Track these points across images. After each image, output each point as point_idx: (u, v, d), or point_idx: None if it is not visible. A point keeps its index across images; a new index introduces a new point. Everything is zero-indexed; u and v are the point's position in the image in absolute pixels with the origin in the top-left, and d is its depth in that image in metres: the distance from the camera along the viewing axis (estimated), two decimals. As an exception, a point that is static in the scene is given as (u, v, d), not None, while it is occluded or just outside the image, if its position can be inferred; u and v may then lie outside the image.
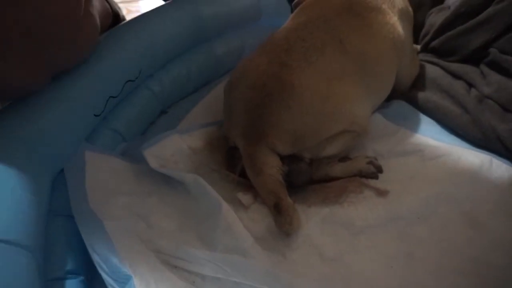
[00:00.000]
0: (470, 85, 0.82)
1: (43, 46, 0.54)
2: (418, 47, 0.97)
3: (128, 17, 1.38)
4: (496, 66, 0.79)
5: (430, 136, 0.79)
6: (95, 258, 0.48)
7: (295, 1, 0.83)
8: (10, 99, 0.59)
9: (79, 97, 0.63)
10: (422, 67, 0.90)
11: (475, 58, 0.85)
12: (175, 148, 0.70)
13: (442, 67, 0.88)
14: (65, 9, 0.55)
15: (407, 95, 0.88)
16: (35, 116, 0.56)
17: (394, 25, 0.76)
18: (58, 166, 0.60)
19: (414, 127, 0.81)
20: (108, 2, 1.02)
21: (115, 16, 1.03)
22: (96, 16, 0.66)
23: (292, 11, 0.84)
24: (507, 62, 0.78)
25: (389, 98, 0.85)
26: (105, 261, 0.47)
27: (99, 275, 0.49)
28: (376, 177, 0.71)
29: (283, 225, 0.57)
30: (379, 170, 0.71)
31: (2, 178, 0.46)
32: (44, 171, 0.54)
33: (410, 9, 0.85)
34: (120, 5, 1.48)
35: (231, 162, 0.71)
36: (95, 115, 0.66)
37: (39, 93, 0.58)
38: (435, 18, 0.93)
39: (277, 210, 0.57)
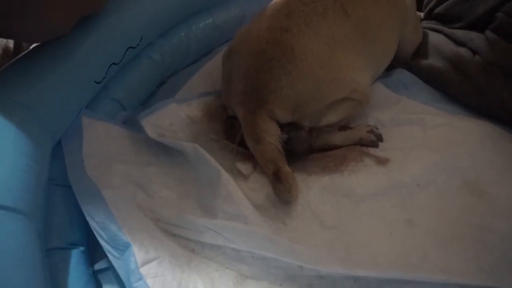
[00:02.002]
0: (475, 52, 0.80)
1: None
2: (422, 14, 0.94)
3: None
4: (503, 32, 0.77)
5: (432, 104, 0.78)
6: (94, 225, 0.47)
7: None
8: (39, 41, 0.58)
9: (80, 63, 0.61)
10: (425, 35, 0.88)
11: (480, 24, 0.82)
12: (173, 117, 0.69)
13: (446, 34, 0.85)
14: None
15: (409, 63, 0.85)
16: (35, 79, 0.54)
17: (397, -9, 0.74)
18: (58, 133, 0.59)
19: (415, 96, 0.80)
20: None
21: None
22: None
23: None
24: (514, 27, 0.75)
25: (391, 67, 0.83)
26: (104, 229, 0.47)
27: (100, 246, 0.49)
28: (377, 146, 0.70)
29: (282, 193, 0.57)
30: (380, 138, 0.70)
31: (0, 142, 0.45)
32: (44, 137, 0.53)
33: (414, -27, 0.81)
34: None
35: (230, 131, 0.70)
36: (96, 82, 0.64)
37: (40, 55, 0.56)
38: (440, -17, 0.90)
39: (276, 178, 0.57)
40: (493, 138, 0.70)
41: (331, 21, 0.64)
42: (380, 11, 0.70)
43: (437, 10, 0.88)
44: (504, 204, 0.61)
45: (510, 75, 0.73)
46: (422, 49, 0.86)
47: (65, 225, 0.51)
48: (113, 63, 0.65)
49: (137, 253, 0.48)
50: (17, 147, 0.46)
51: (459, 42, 0.83)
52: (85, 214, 0.48)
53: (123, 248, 0.49)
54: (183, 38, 0.84)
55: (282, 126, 0.64)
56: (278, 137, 0.63)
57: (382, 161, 0.66)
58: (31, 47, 0.62)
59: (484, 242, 0.56)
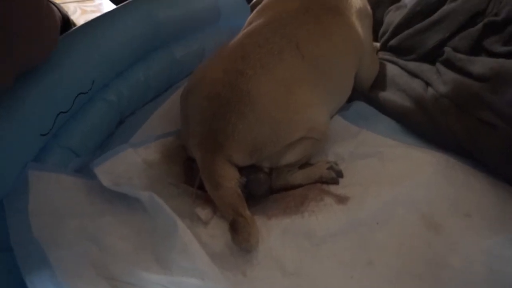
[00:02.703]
0: (427, 84, 0.83)
1: (8, 41, 0.50)
2: (378, 45, 0.97)
3: (84, 18, 1.33)
4: (450, 65, 0.80)
5: (390, 136, 0.80)
6: (37, 295, 0.45)
7: (252, 3, 0.80)
8: None
9: (22, 117, 0.57)
10: (382, 66, 0.90)
11: (431, 56, 0.85)
12: (129, 163, 0.67)
13: (400, 66, 0.88)
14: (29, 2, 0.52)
15: (368, 95, 0.87)
16: None
17: (352, 26, 0.75)
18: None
19: (374, 128, 0.81)
20: (55, 5, 0.96)
21: (65, 21, 0.97)
22: (56, 13, 0.62)
23: (251, 12, 0.82)
24: (461, 61, 0.78)
25: (350, 99, 0.85)
26: (49, 298, 0.44)
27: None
28: (337, 182, 0.70)
29: (240, 243, 0.56)
30: (340, 175, 0.71)
31: None
32: None
33: (369, 7, 0.84)
34: (74, 4, 1.41)
35: (189, 174, 0.69)
36: (41, 134, 0.61)
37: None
38: (393, 16, 0.93)
39: (233, 228, 0.56)
40: (447, 169, 0.72)
41: (287, 62, 0.65)
42: (335, 48, 0.71)
43: (391, 42, 0.91)
44: (457, 238, 0.62)
45: (461, 107, 0.76)
46: (379, 81, 0.88)
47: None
48: (62, 112, 0.63)
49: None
50: None
51: (412, 74, 0.86)
52: (27, 283, 0.45)
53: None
54: (140, 77, 0.82)
55: (241, 169, 0.64)
56: (237, 181, 0.62)
57: (342, 200, 0.67)
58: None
59: (440, 280, 0.57)
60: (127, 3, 0.83)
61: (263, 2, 0.77)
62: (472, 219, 0.65)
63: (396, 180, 0.70)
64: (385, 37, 0.93)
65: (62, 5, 1.25)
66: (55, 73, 0.62)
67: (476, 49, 0.80)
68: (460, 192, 0.69)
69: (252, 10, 0.79)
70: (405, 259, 0.60)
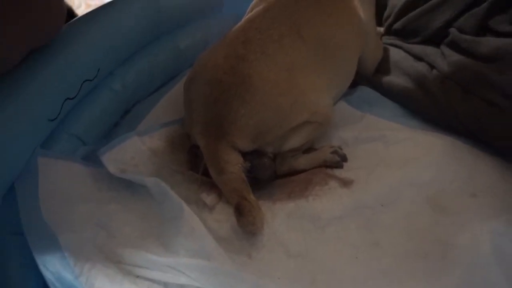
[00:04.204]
0: (432, 66, 0.82)
1: (18, 13, 0.50)
2: (382, 29, 0.97)
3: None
4: (455, 46, 0.79)
5: (394, 120, 0.79)
6: (48, 276, 0.46)
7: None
8: None
9: (31, 100, 0.58)
10: (385, 51, 0.90)
11: (437, 38, 0.84)
12: (135, 150, 0.68)
13: (405, 50, 0.87)
14: None
15: (371, 80, 0.87)
16: None
17: (354, 9, 0.75)
18: (9, 180, 0.57)
19: (378, 112, 0.81)
20: (58, -2, 0.97)
21: (69, 12, 0.98)
22: None
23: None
24: (466, 42, 0.77)
25: (354, 84, 0.84)
26: (59, 279, 0.46)
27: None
28: (341, 166, 0.70)
29: (246, 226, 0.56)
30: (344, 159, 0.71)
31: None
32: None
33: (371, -9, 0.83)
34: (79, -1, 1.42)
35: (194, 161, 0.69)
36: (49, 120, 0.62)
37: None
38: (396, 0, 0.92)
39: (239, 211, 0.56)
40: (453, 151, 0.72)
41: (287, 47, 0.65)
42: (337, 33, 0.71)
43: (395, 26, 0.90)
44: (465, 218, 0.62)
45: (465, 89, 0.75)
46: (383, 65, 0.88)
47: (21, 276, 0.49)
48: (68, 98, 0.63)
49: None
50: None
51: (417, 57, 0.85)
52: (39, 264, 0.46)
53: (80, 298, 0.48)
54: (145, 66, 0.83)
55: (245, 154, 0.64)
56: (241, 166, 0.62)
57: (346, 183, 0.67)
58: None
59: (446, 259, 0.57)
60: (130, -9, 0.83)
61: (265, -12, 0.77)
62: (478, 199, 0.65)
63: (401, 163, 0.70)
64: (389, 20, 0.92)
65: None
66: (60, 59, 0.63)
67: (482, 29, 0.79)
68: (466, 173, 0.68)
69: (254, -4, 0.78)
70: (412, 240, 0.60)
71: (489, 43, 0.75)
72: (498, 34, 0.75)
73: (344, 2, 0.73)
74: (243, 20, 0.72)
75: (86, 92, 0.70)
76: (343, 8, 0.72)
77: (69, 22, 0.71)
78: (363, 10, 0.77)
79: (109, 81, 0.76)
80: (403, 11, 0.88)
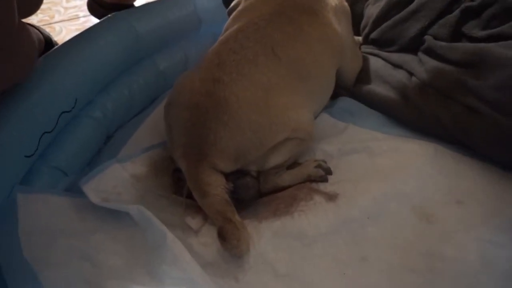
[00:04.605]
0: (411, 74, 0.83)
1: None
2: (360, 39, 0.97)
3: (69, 37, 1.33)
4: (432, 53, 0.80)
5: (377, 129, 0.79)
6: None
7: (228, 9, 0.81)
8: None
9: (5, 139, 0.58)
10: (365, 60, 0.90)
11: (413, 46, 0.85)
12: (117, 178, 0.67)
13: (383, 58, 0.88)
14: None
15: (352, 90, 0.87)
16: None
17: (328, 25, 0.75)
18: None
19: (361, 122, 0.81)
20: (37, 28, 0.97)
21: (47, 43, 0.98)
22: (31, 32, 0.61)
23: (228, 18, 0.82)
24: (441, 48, 0.78)
25: (335, 95, 0.85)
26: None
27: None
28: (326, 180, 0.70)
29: (230, 250, 0.56)
30: (328, 172, 0.71)
31: None
32: None
33: (346, 4, 0.84)
34: (60, 24, 1.43)
35: (178, 184, 0.69)
36: (26, 156, 0.62)
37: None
38: (372, 9, 0.93)
39: (222, 236, 0.56)
40: (436, 158, 0.72)
41: (263, 66, 0.65)
42: (312, 49, 0.71)
43: (372, 35, 0.91)
44: (452, 227, 0.62)
45: (445, 95, 0.76)
46: (363, 75, 0.88)
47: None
48: (46, 132, 0.63)
49: None
50: None
51: (395, 65, 0.85)
52: (18, 307, 0.46)
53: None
54: (125, 91, 0.83)
55: (228, 175, 0.64)
56: (224, 187, 0.62)
57: (331, 197, 0.67)
58: None
59: (435, 271, 0.56)
60: (106, 18, 0.84)
61: (238, 8, 0.77)
62: (464, 205, 0.65)
63: (385, 174, 0.70)
64: (366, 30, 0.93)
65: (47, 26, 1.26)
66: (36, 93, 0.63)
67: (456, 35, 0.80)
68: (451, 179, 0.69)
69: (229, 16, 0.79)
70: (399, 253, 0.59)
71: (464, 48, 0.76)
72: (472, 39, 0.76)
73: (319, 18, 0.73)
74: (217, 41, 0.72)
75: (65, 123, 0.69)
76: (318, 24, 0.73)
77: (45, 54, 0.71)
78: (338, 24, 0.77)
79: (88, 110, 0.75)
80: (379, 20, 0.89)
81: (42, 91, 0.64)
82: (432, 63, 0.79)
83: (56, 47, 0.75)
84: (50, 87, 0.66)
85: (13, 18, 0.53)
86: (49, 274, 0.52)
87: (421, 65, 0.81)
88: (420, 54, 0.83)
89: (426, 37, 0.81)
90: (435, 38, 0.80)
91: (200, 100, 0.62)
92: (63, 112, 0.67)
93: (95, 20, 1.22)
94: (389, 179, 0.69)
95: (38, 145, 0.62)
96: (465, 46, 0.76)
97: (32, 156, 0.61)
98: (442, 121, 0.74)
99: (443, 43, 0.78)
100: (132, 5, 1.15)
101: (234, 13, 0.77)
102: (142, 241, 0.61)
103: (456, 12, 0.78)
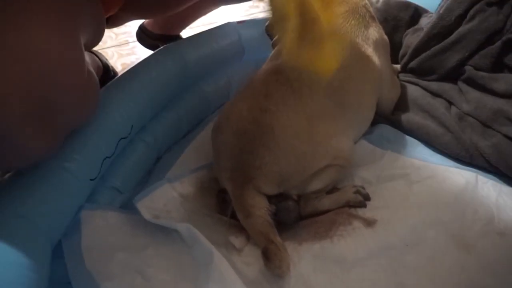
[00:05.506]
0: (450, 103, 0.84)
1: (53, 112, 0.52)
2: (399, 67, 1.00)
3: (120, 61, 1.44)
4: (472, 83, 0.81)
5: (416, 157, 0.81)
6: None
7: (272, 41, 0.86)
8: (19, 166, 0.58)
9: (73, 166, 0.63)
10: (403, 88, 0.92)
11: (453, 76, 0.86)
12: (167, 197, 0.72)
13: (422, 87, 0.90)
14: (73, 77, 0.53)
15: (391, 118, 0.89)
16: (33, 188, 0.58)
17: (369, 57, 0.78)
18: (57, 236, 0.61)
19: (399, 149, 0.83)
20: (96, 55, 1.06)
21: (105, 68, 1.07)
22: (93, 71, 0.64)
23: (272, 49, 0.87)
24: (482, 79, 0.79)
25: (373, 122, 0.87)
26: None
27: None
28: (364, 206, 0.72)
29: (272, 269, 0.59)
30: (367, 198, 0.73)
31: (1, 257, 0.48)
32: (44, 245, 0.55)
33: (385, 37, 0.86)
34: (112, 49, 1.54)
35: (223, 205, 0.73)
36: (91, 179, 0.68)
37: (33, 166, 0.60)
38: (411, 39, 0.96)
39: (265, 256, 0.59)
40: (476, 187, 0.72)
41: (306, 97, 0.69)
42: (354, 81, 0.75)
43: (411, 64, 0.93)
44: (491, 258, 0.62)
45: (485, 125, 0.77)
46: (401, 103, 0.90)
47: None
48: (107, 157, 0.70)
49: None
50: (17, 259, 0.48)
51: (434, 94, 0.87)
52: (85, 313, 0.51)
53: None
54: (174, 116, 0.90)
55: (270, 197, 0.68)
56: (267, 209, 0.66)
57: (370, 223, 0.69)
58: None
59: (475, 302, 0.57)
60: (158, 50, 0.91)
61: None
62: (506, 237, 0.65)
63: (424, 201, 0.71)
64: (404, 59, 0.95)
65: (101, 51, 1.37)
66: (98, 124, 0.70)
67: (498, 66, 0.81)
68: (492, 210, 0.69)
69: (273, 48, 0.84)
70: (438, 281, 0.60)
71: (506, 79, 0.77)
72: (515, 70, 0.77)
73: (360, 53, 0.77)
74: (263, 70, 0.77)
75: (122, 148, 0.76)
76: (359, 59, 0.76)
77: (104, 87, 0.77)
78: (378, 57, 0.80)
79: (141, 134, 0.82)
80: (418, 50, 0.91)
81: (105, 121, 0.71)
82: (472, 93, 0.80)
83: (114, 79, 0.82)
84: (110, 117, 0.72)
85: (84, 73, 0.56)
86: (108, 285, 0.57)
87: (461, 95, 0.82)
88: (460, 83, 0.84)
89: (467, 67, 0.83)
90: (476, 68, 0.81)
91: (247, 127, 0.67)
92: (121, 138, 0.73)
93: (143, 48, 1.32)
94: (427, 207, 0.70)
95: (100, 169, 0.69)
96: (507, 76, 0.78)
97: (95, 179, 0.68)
98: (482, 150, 0.75)
99: (484, 73, 0.79)
100: (178, 36, 1.23)
101: (278, 45, 0.82)
102: (190, 258, 0.65)
103: (498, 43, 0.79)
